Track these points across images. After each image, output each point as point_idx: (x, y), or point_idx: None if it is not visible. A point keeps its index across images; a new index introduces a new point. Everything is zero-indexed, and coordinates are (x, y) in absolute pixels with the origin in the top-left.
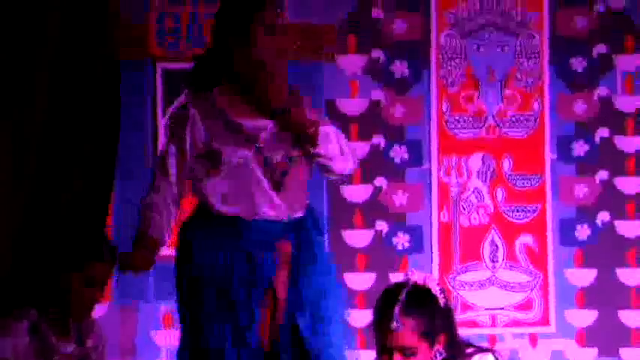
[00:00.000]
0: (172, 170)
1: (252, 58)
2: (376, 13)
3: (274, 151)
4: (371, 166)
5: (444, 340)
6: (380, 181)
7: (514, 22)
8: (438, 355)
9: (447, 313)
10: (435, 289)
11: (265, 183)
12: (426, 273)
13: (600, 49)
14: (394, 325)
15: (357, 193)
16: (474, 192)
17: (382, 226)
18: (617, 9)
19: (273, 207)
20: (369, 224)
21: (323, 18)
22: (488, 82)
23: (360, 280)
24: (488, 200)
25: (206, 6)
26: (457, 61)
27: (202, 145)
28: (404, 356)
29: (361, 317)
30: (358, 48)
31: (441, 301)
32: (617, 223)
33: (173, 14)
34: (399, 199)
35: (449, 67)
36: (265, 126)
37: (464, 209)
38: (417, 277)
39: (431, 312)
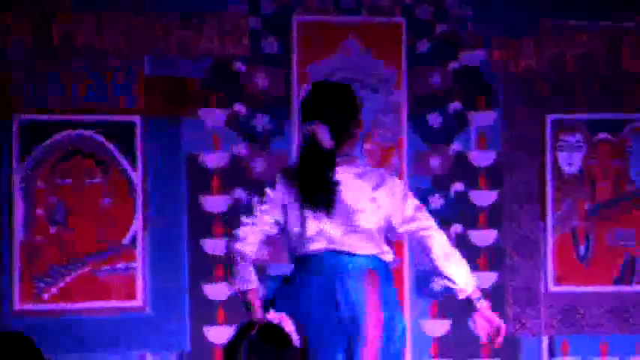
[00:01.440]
0: None
1: None
2: (238, 67)
3: None
4: (232, 220)
5: None
6: None
7: (373, 78)
8: None
9: (298, 353)
10: (290, 329)
11: None
12: (283, 314)
13: (455, 105)
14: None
15: (218, 246)
16: None
17: None
18: (470, 67)
19: None
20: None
21: (185, 71)
22: None
23: (220, 334)
24: None
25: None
26: None
27: None
28: None
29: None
30: (220, 102)
31: (295, 342)
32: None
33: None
34: (261, 252)
35: None
36: None
37: None
38: (272, 316)
39: (279, 350)
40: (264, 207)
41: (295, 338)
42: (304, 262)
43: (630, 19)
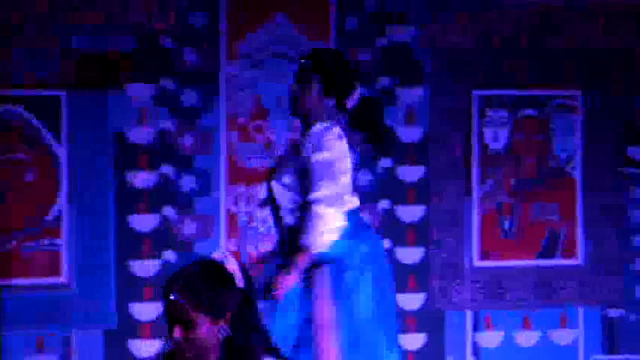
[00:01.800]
0: None
1: None
2: (166, 41)
3: None
4: (160, 196)
5: (231, 319)
6: (168, 211)
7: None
8: (221, 331)
9: (240, 293)
10: (233, 269)
11: None
12: (228, 253)
13: (384, 81)
14: (172, 295)
15: (145, 222)
16: (262, 221)
17: (170, 255)
18: (398, 43)
19: None
20: (157, 254)
21: (112, 46)
22: (278, 112)
23: (146, 311)
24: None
25: None
26: (246, 91)
27: None
28: (184, 329)
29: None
30: (147, 77)
31: (238, 282)
32: (397, 250)
33: None
34: (188, 228)
35: (238, 97)
36: None
37: (252, 238)
38: (217, 255)
39: (217, 288)
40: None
41: (239, 279)
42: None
43: None
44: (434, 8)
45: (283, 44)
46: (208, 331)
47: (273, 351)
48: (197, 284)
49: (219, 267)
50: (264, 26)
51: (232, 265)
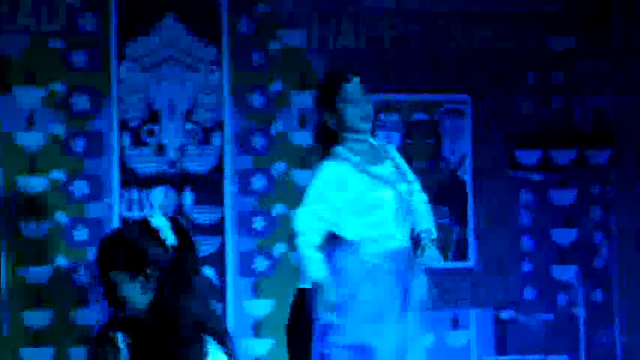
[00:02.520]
0: None
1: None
2: (55, 43)
3: None
4: (51, 201)
5: (154, 275)
6: (59, 216)
7: (194, 58)
8: (142, 287)
9: (168, 250)
10: (158, 225)
11: None
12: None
13: (276, 85)
14: (93, 257)
15: (36, 228)
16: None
17: (62, 261)
18: (291, 46)
19: None
20: (49, 260)
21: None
22: (170, 116)
23: (39, 317)
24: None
25: None
26: (138, 94)
27: None
28: (109, 289)
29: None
30: (36, 79)
31: (165, 238)
32: (291, 254)
33: None
34: (80, 234)
35: (130, 101)
36: None
37: None
38: (148, 212)
39: (132, 244)
40: None
41: (165, 235)
42: None
43: (444, 5)
44: (325, 11)
45: (175, 46)
46: (128, 288)
47: (209, 322)
48: (112, 243)
49: (143, 224)
50: (155, 28)
51: (158, 221)
